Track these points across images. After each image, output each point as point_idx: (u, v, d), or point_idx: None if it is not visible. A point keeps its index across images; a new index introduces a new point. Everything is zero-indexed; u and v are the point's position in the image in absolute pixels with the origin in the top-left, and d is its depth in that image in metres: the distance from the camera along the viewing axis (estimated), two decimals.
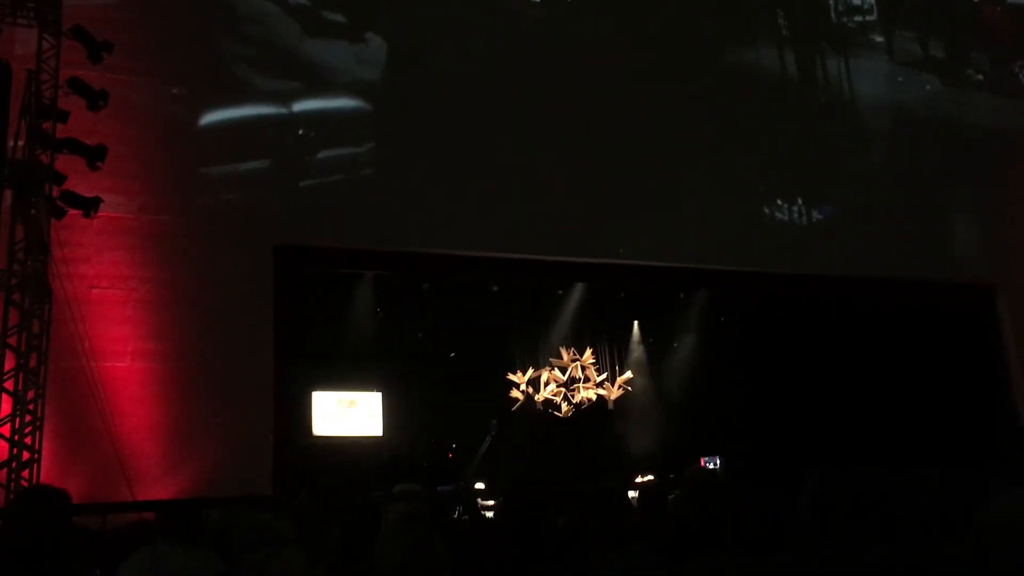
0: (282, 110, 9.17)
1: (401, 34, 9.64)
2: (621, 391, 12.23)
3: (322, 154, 9.31)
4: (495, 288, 10.91)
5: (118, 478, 7.47)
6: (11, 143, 7.23)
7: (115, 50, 7.62)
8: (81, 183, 7.55)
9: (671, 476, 8.59)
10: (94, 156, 7.39)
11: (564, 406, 11.97)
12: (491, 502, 9.04)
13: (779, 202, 10.85)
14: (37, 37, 7.32)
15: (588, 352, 12.27)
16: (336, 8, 9.54)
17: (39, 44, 7.31)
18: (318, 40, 9.37)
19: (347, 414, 10.84)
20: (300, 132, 9.22)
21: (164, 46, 8.76)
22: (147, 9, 8.66)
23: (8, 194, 7.05)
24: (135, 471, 7.67)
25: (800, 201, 10.89)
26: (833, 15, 11.27)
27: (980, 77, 11.90)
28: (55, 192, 7.30)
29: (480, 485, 10.11)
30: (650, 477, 10.26)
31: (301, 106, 9.26)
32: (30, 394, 7.01)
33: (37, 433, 6.99)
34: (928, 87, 11.69)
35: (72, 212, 7.46)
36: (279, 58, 9.18)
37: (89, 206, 7.41)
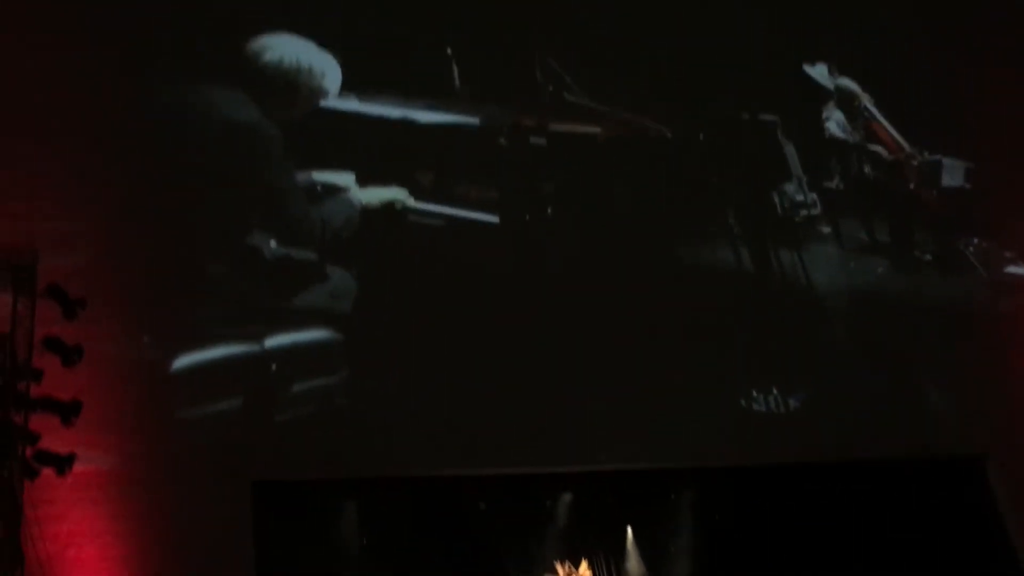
0: (254, 348, 9.28)
1: (368, 262, 9.93)
2: None
3: (296, 387, 9.35)
4: (483, 506, 10.70)
5: None
6: None
7: (88, 303, 7.79)
8: (55, 439, 7.50)
9: None
10: (68, 412, 7.39)
11: None
12: None
13: (754, 393, 10.93)
14: (12, 300, 7.48)
15: (584, 564, 11.88)
16: (306, 245, 9.82)
17: (14, 307, 7.46)
18: (290, 284, 9.60)
19: None
20: (273, 367, 9.30)
21: (137, 297, 8.97)
22: (121, 264, 8.91)
23: None
24: None
25: (775, 390, 10.98)
26: (780, 210, 11.80)
27: (928, 257, 12.36)
28: (28, 452, 7.24)
29: None
30: None
31: (273, 342, 9.39)
32: None
33: None
34: (880, 269, 12.09)
35: (45, 471, 7.37)
36: (251, 308, 9.38)
37: (63, 464, 7.33)
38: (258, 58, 9.92)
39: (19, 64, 8.90)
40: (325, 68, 10.09)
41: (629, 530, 12.52)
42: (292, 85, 10.01)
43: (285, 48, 10.00)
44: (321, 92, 10.10)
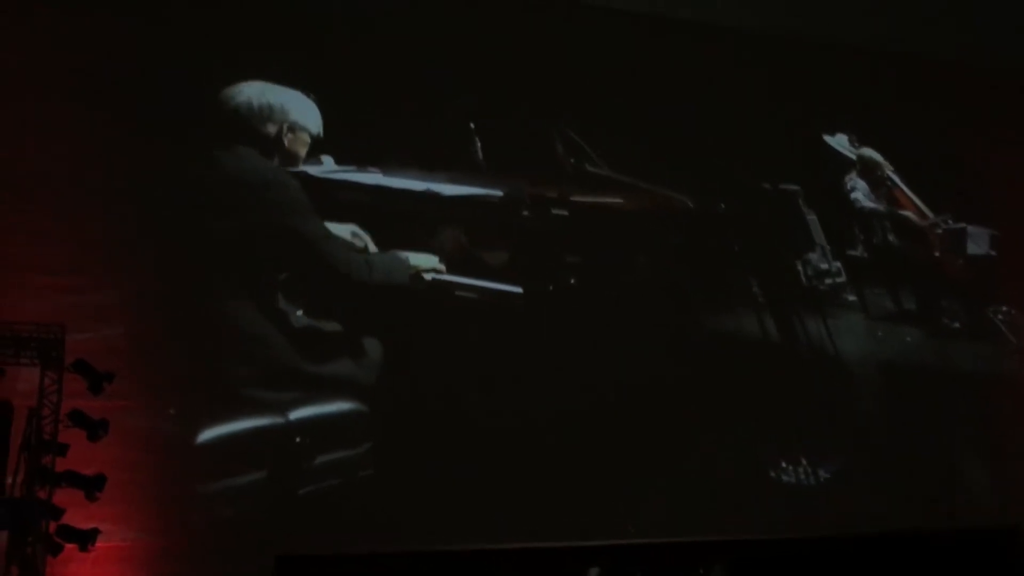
0: (279, 420, 9.27)
1: (394, 331, 9.94)
2: None
3: (319, 459, 9.31)
4: None
5: None
6: (9, 480, 7.26)
7: (116, 377, 7.82)
8: (78, 514, 7.49)
9: None
10: (93, 487, 7.40)
11: None
12: None
13: (783, 464, 10.80)
14: (39, 375, 7.53)
15: None
16: (332, 317, 9.84)
17: (41, 381, 7.51)
18: (319, 353, 9.61)
19: None
20: (297, 440, 9.28)
21: (165, 370, 9.01)
22: (149, 337, 8.97)
23: (3, 534, 6.96)
24: None
25: (804, 461, 10.83)
26: (804, 279, 11.77)
27: (956, 325, 12.26)
28: (52, 528, 7.21)
29: None
30: None
31: (297, 414, 9.37)
32: None
33: None
34: (908, 338, 11.99)
35: (68, 546, 7.33)
36: (280, 375, 9.39)
37: (86, 539, 7.32)
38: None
39: (42, 139, 9.07)
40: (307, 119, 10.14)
41: None
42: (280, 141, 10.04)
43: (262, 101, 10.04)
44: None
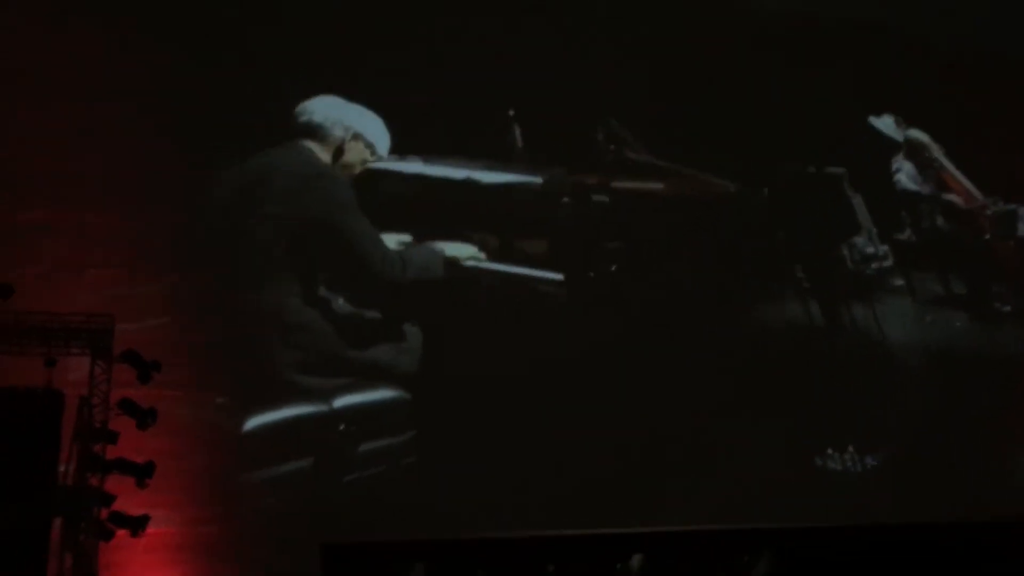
0: (323, 408, 9.37)
1: (435, 320, 9.98)
2: None
3: (364, 447, 9.39)
4: (551, 568, 10.53)
5: None
6: (62, 467, 7.42)
7: (164, 367, 7.95)
8: (129, 501, 7.63)
9: None
10: (143, 474, 7.52)
11: None
12: None
13: (830, 451, 10.68)
14: (89, 365, 7.67)
15: None
16: (373, 306, 9.90)
17: (91, 371, 7.65)
18: (362, 340, 9.69)
19: None
20: (341, 427, 9.37)
21: (212, 359, 9.17)
22: (196, 327, 9.12)
23: (57, 521, 7.12)
24: None
25: (851, 448, 10.70)
26: (850, 263, 11.59)
27: (1008, 308, 12.01)
28: (103, 514, 7.36)
29: None
30: None
31: (341, 402, 9.47)
32: None
33: None
34: (957, 323, 11.77)
35: (120, 532, 7.48)
36: (324, 363, 9.49)
37: (137, 525, 7.45)
38: (313, 121, 10.08)
39: (91, 139, 9.25)
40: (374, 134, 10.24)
41: None
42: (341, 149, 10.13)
43: (334, 112, 10.15)
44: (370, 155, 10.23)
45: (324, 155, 10.01)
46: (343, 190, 9.91)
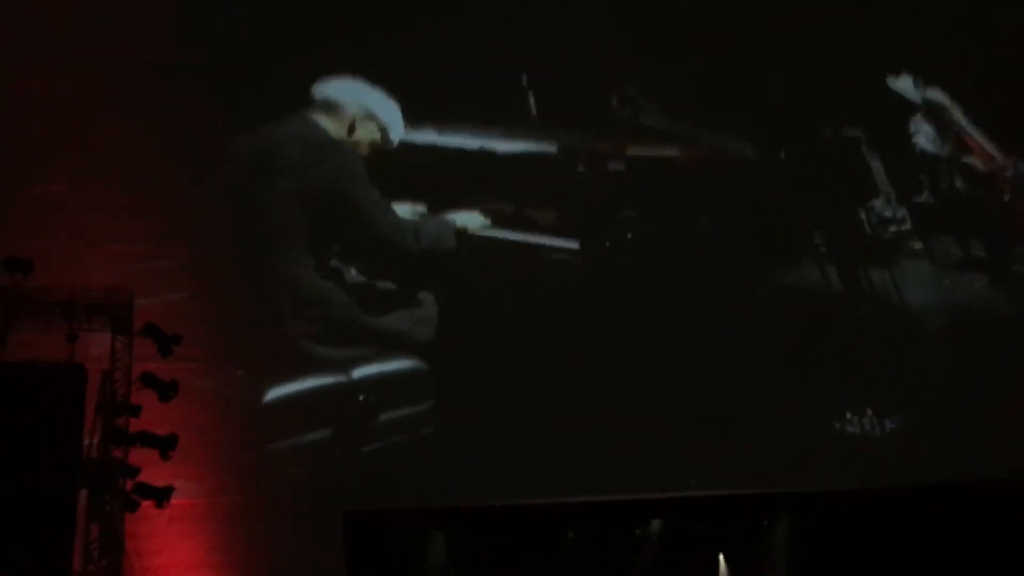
0: (342, 379, 9.43)
1: (451, 289, 10.01)
2: None
3: (383, 417, 9.46)
4: (571, 534, 10.61)
5: None
6: (87, 441, 7.51)
7: (183, 340, 8.00)
8: (153, 473, 7.71)
9: None
10: (166, 446, 7.59)
11: None
12: None
13: (848, 415, 10.67)
14: (110, 339, 7.73)
15: None
16: (387, 276, 9.94)
17: (112, 345, 7.71)
18: (376, 310, 9.74)
19: None
20: (361, 398, 9.43)
21: (231, 331, 9.22)
22: (214, 300, 9.16)
23: (83, 493, 7.22)
24: None
25: (870, 412, 10.69)
26: (868, 228, 11.52)
27: None
28: (128, 486, 7.46)
29: None
30: None
31: (360, 372, 9.53)
32: None
33: None
34: (976, 285, 11.71)
35: (145, 503, 7.58)
36: (341, 332, 9.55)
37: (162, 496, 7.53)
38: (330, 98, 10.09)
39: (109, 114, 9.26)
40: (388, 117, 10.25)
41: (721, 557, 12.25)
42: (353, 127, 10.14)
43: (348, 91, 10.16)
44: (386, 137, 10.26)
45: (336, 130, 10.01)
46: (352, 161, 9.92)
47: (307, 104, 10.01)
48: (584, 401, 9.88)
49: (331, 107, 10.04)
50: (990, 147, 12.25)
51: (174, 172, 9.38)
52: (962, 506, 10.56)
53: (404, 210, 10.06)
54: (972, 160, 12.25)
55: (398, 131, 10.19)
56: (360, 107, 10.10)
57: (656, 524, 11.17)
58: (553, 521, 10.13)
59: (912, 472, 10.45)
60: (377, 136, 10.14)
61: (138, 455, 7.65)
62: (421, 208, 10.16)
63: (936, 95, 12.22)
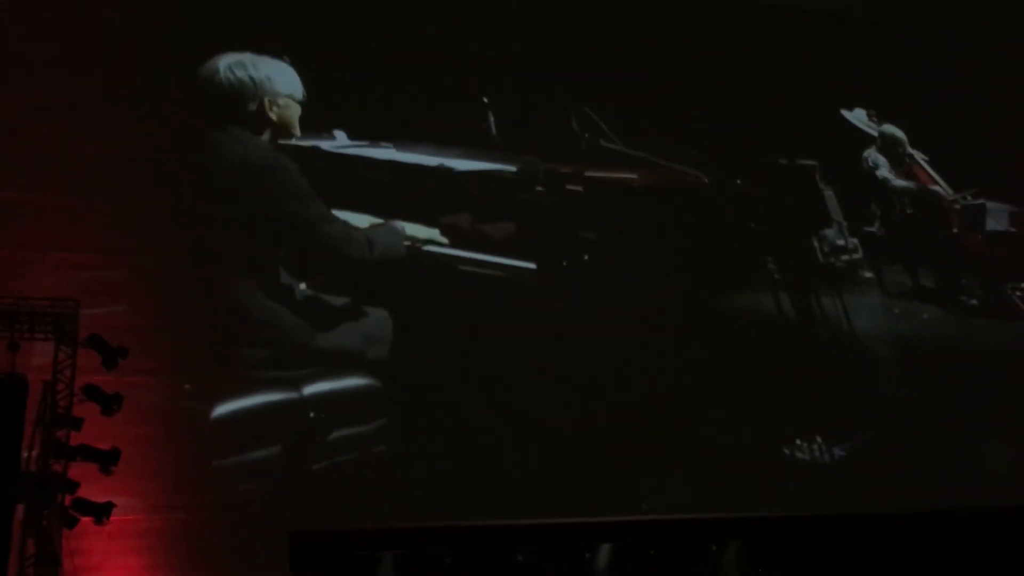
0: (293, 395, 9.29)
1: (405, 307, 9.93)
2: None
3: (333, 435, 9.33)
4: (520, 557, 10.54)
5: None
6: (25, 454, 7.30)
7: (129, 353, 7.83)
8: (94, 488, 7.53)
9: None
10: (107, 460, 7.42)
11: None
12: None
13: (798, 442, 10.76)
14: (54, 349, 7.54)
15: None
16: (339, 291, 9.83)
17: (55, 356, 7.53)
18: (328, 326, 9.62)
19: None
20: (311, 415, 9.30)
21: (178, 345, 9.05)
22: (162, 314, 9.00)
23: (20, 508, 7.00)
24: None
25: (819, 439, 10.79)
26: (820, 256, 11.68)
27: (974, 302, 12.15)
28: (67, 501, 7.25)
29: None
30: None
31: (311, 389, 9.40)
32: None
33: None
34: (925, 315, 11.90)
35: (84, 519, 7.38)
36: (291, 348, 9.42)
37: (101, 512, 7.35)
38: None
39: (51, 120, 9.08)
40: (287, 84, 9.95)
41: None
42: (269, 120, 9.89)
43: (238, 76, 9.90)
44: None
45: (259, 135, 9.77)
46: (295, 176, 9.78)
47: (232, 110, 9.74)
48: (535, 423, 9.86)
49: (234, 105, 9.74)
50: (941, 181, 12.53)
51: (123, 183, 9.21)
52: (911, 534, 10.68)
53: (361, 223, 9.95)
54: (924, 192, 12.51)
55: (299, 88, 9.91)
56: (260, 90, 9.78)
57: (606, 548, 11.15)
58: (503, 543, 10.04)
59: (860, 499, 10.57)
60: (296, 107, 9.88)
61: (78, 469, 7.46)
62: (378, 222, 10.08)
63: (890, 128, 12.49)
